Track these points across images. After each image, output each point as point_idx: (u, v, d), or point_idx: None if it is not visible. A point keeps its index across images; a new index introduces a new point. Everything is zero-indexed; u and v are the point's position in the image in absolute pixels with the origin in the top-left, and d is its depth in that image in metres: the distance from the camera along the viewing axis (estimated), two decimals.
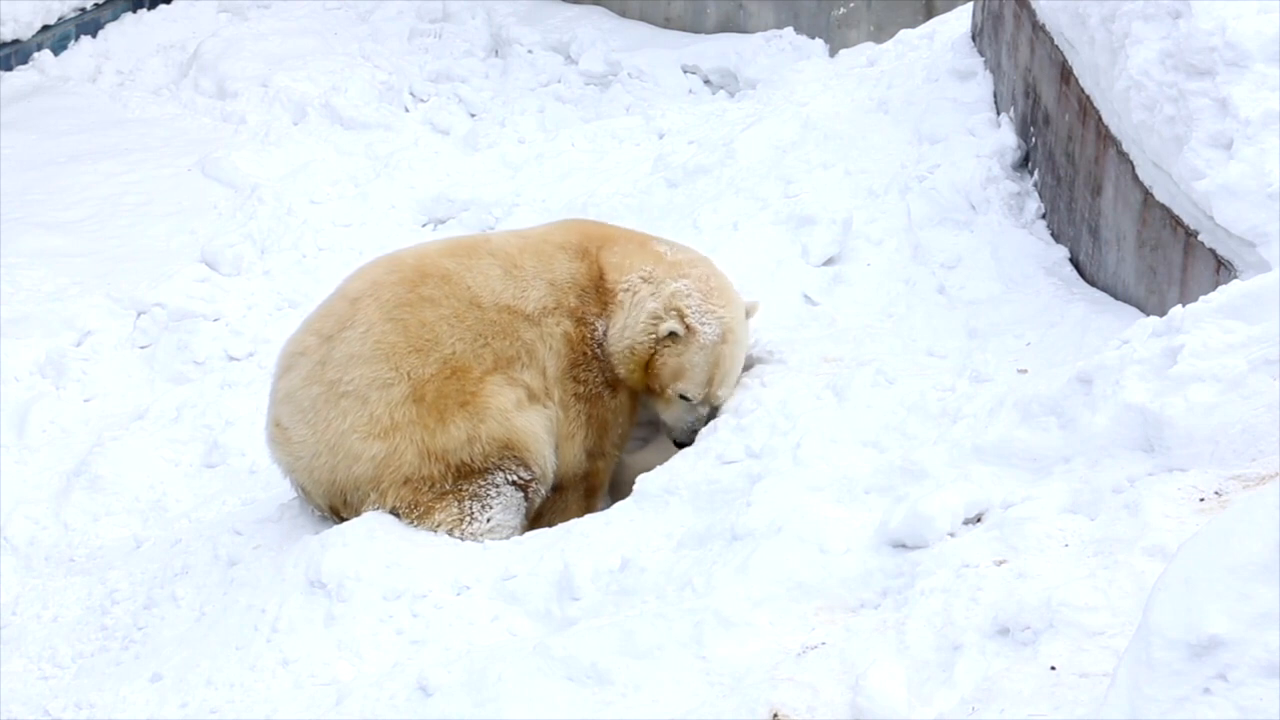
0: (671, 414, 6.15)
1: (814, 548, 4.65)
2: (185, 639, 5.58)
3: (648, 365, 6.04)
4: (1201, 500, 3.97)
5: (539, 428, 5.98)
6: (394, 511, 5.82)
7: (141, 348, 8.53)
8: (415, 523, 5.82)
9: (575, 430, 6.11)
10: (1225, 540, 2.93)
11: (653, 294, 6.04)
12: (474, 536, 5.84)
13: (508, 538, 5.86)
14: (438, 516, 5.83)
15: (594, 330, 6.08)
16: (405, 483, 5.82)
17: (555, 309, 6.04)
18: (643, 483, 5.64)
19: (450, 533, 5.83)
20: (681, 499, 5.49)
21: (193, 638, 5.56)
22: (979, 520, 4.45)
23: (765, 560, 4.65)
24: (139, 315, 8.65)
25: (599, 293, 6.09)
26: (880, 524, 4.62)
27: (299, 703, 5.03)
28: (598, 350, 6.09)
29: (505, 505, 5.92)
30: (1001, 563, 4.11)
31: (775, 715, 3.93)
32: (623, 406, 6.18)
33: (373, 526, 5.67)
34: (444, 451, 5.82)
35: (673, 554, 5.12)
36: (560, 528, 5.68)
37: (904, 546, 4.49)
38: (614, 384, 6.12)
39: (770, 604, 4.49)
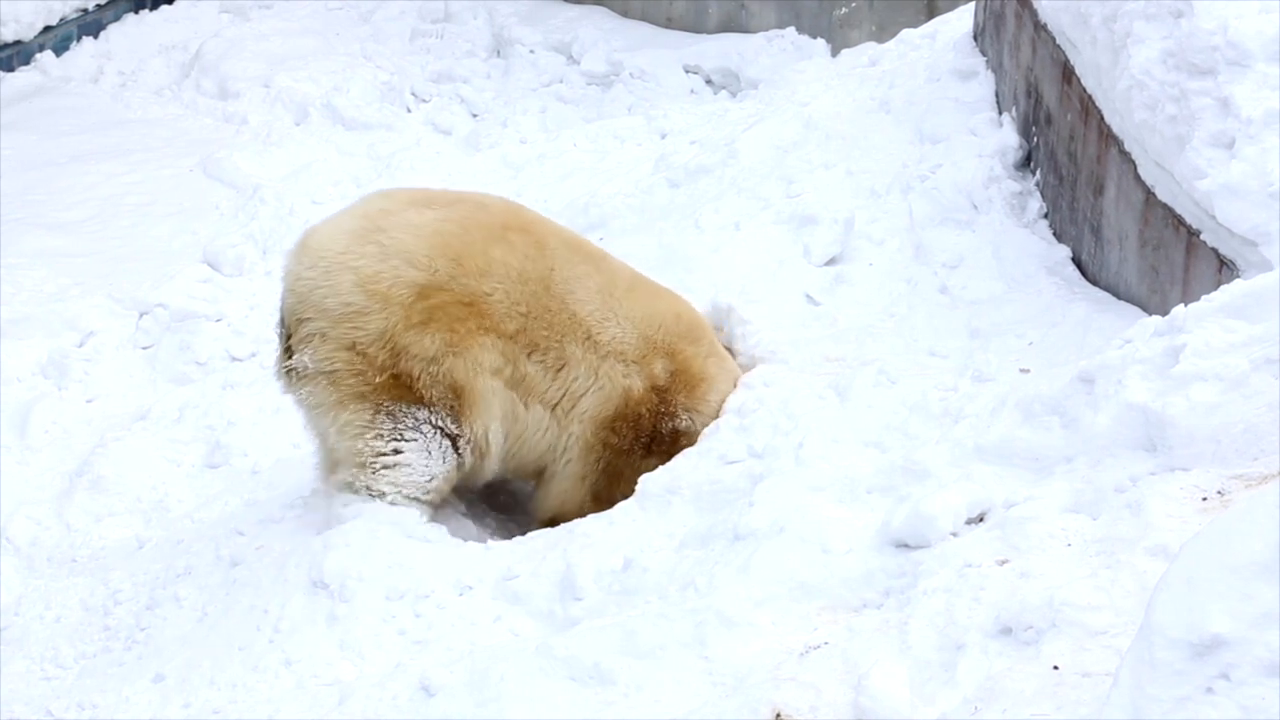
0: None
1: (816, 548, 4.65)
2: (188, 639, 5.58)
3: None
4: (1204, 500, 3.97)
5: (496, 403, 5.83)
6: (314, 373, 5.67)
7: (143, 348, 8.52)
8: (325, 410, 5.70)
9: (588, 473, 6.05)
10: (1227, 540, 2.93)
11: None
12: (370, 459, 5.71)
13: (413, 483, 5.74)
14: (347, 413, 5.70)
15: (671, 411, 6.02)
16: (350, 348, 5.67)
17: (633, 360, 5.98)
18: (645, 483, 5.64)
19: (349, 442, 5.70)
20: (684, 499, 5.49)
21: (195, 638, 5.56)
22: (981, 520, 4.45)
23: (767, 560, 4.65)
24: (141, 316, 8.65)
25: (689, 387, 6.05)
26: (882, 524, 4.62)
27: (301, 703, 5.03)
28: (666, 426, 6.03)
29: (420, 447, 5.76)
30: (1004, 562, 4.11)
31: (778, 715, 3.93)
32: (646, 469, 6.00)
33: (375, 527, 5.66)
34: (402, 347, 5.66)
35: (675, 554, 5.12)
36: (562, 528, 5.68)
37: (906, 546, 4.50)
38: (653, 450, 6.04)
39: (772, 604, 4.49)
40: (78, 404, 8.04)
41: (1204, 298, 4.42)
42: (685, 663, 4.35)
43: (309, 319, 5.72)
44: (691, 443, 5.98)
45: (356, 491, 5.84)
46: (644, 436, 6.06)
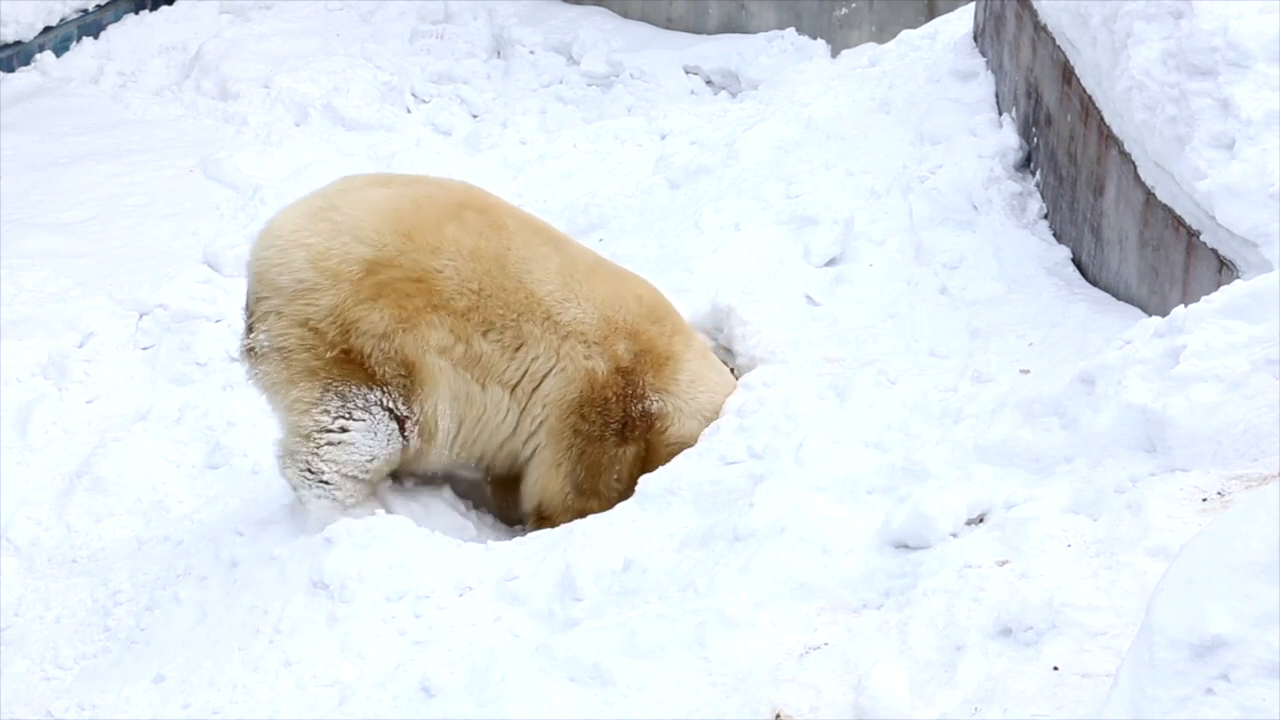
0: None
1: (816, 548, 4.65)
2: (188, 640, 5.58)
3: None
4: (1204, 500, 3.97)
5: (444, 382, 5.80)
6: (269, 350, 5.71)
7: (144, 349, 8.52)
8: (279, 388, 5.74)
9: (562, 460, 6.01)
10: (1227, 540, 2.93)
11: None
12: (315, 433, 5.73)
13: (353, 463, 5.76)
14: (297, 389, 5.72)
15: (639, 394, 6.00)
16: (303, 324, 5.68)
17: (595, 341, 5.95)
18: (645, 483, 5.64)
19: (296, 417, 5.73)
20: (684, 499, 5.49)
21: (195, 639, 5.56)
22: (981, 520, 4.45)
23: (767, 561, 4.65)
24: (141, 316, 8.65)
25: (655, 368, 6.04)
26: (882, 524, 4.62)
27: (302, 703, 5.03)
28: (636, 409, 6.02)
29: (367, 428, 5.76)
30: (1004, 563, 4.11)
31: (778, 716, 3.93)
32: (625, 457, 6.07)
33: (374, 527, 5.67)
34: (351, 323, 5.67)
35: (675, 554, 5.12)
36: (563, 528, 5.67)
37: (906, 547, 4.50)
38: (628, 437, 6.04)
39: (773, 604, 4.49)
40: (78, 404, 8.04)
41: (1204, 298, 4.42)
42: (685, 663, 4.35)
43: (266, 297, 5.77)
44: (665, 425, 6.02)
45: (296, 463, 5.84)
46: (615, 423, 6.02)
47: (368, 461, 5.81)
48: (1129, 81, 5.82)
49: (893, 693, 3.78)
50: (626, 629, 4.52)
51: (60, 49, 13.21)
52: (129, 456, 7.24)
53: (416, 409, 5.80)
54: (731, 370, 6.41)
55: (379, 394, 5.75)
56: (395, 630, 5.28)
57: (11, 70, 12.97)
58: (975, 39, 8.23)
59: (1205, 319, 4.30)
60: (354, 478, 5.83)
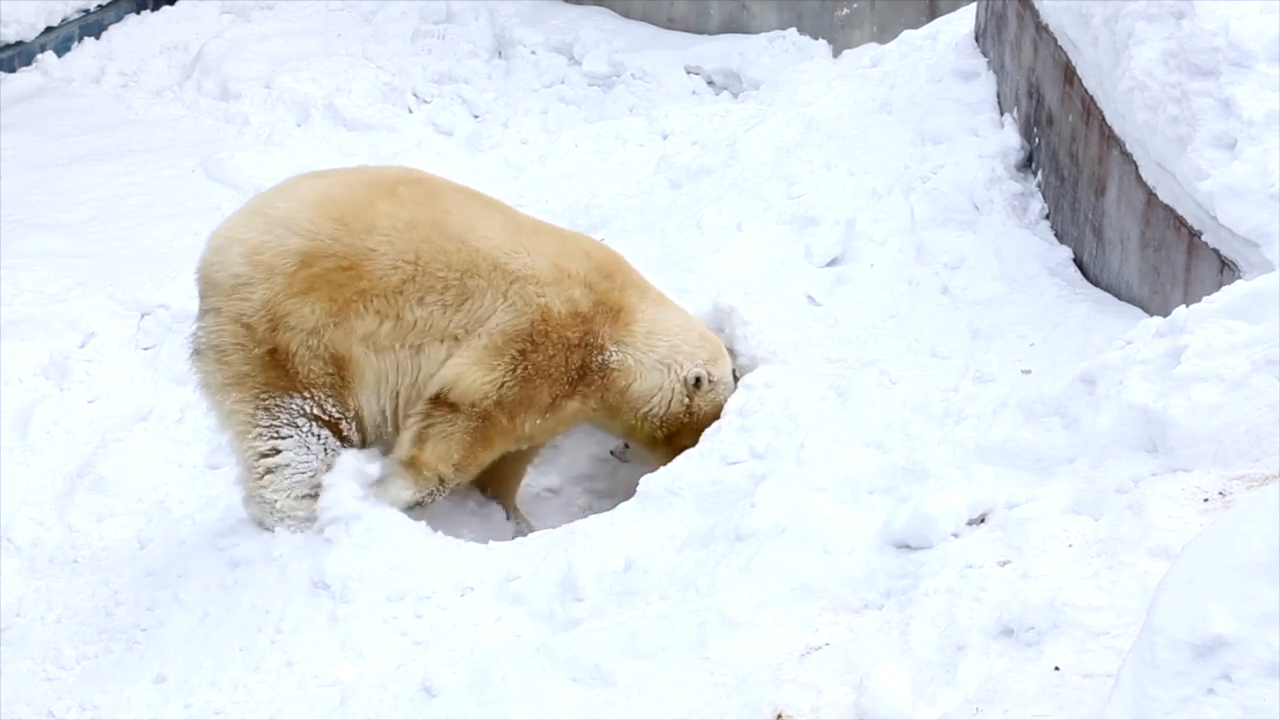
0: None
1: (817, 548, 4.66)
2: (189, 640, 5.58)
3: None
4: (1205, 500, 3.97)
5: (368, 368, 5.79)
6: (206, 347, 5.74)
7: (145, 349, 8.51)
8: (214, 391, 5.78)
9: (496, 365, 5.84)
10: (1229, 540, 2.93)
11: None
12: (253, 462, 5.79)
13: (298, 484, 5.78)
14: (231, 400, 5.76)
15: (599, 344, 5.98)
16: (237, 320, 5.70)
17: (550, 283, 5.88)
18: (646, 484, 5.64)
19: (236, 441, 5.81)
20: (685, 500, 5.49)
21: (196, 639, 5.56)
22: (982, 521, 4.45)
23: (769, 561, 4.65)
24: (142, 317, 8.64)
25: (611, 318, 6.02)
26: (884, 524, 4.62)
27: (303, 704, 5.04)
28: (595, 360, 5.99)
29: (298, 443, 5.78)
30: (1005, 563, 4.11)
31: (779, 716, 3.93)
32: (563, 410, 6.01)
33: (375, 527, 5.67)
34: (281, 317, 5.68)
35: (676, 555, 5.12)
36: (563, 529, 5.67)
37: (907, 547, 4.50)
38: (577, 389, 6.00)
39: (774, 605, 4.49)
40: (79, 405, 8.03)
41: (1205, 299, 4.42)
42: (686, 663, 4.35)
43: (208, 296, 5.81)
44: (627, 382, 6.04)
45: (252, 499, 5.91)
46: (573, 369, 5.96)
47: (311, 478, 5.82)
48: (1131, 81, 5.82)
49: (894, 693, 3.78)
50: (628, 629, 4.52)
51: (62, 49, 13.21)
52: (130, 457, 7.24)
53: (351, 404, 5.82)
54: (734, 373, 6.40)
55: (302, 401, 5.75)
56: (396, 630, 5.29)
57: (13, 70, 12.97)
58: (977, 39, 8.23)
59: (1207, 319, 4.30)
60: (306, 497, 5.83)
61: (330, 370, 5.75)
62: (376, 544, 5.57)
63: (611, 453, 6.88)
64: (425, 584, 5.41)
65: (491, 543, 5.79)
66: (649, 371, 6.09)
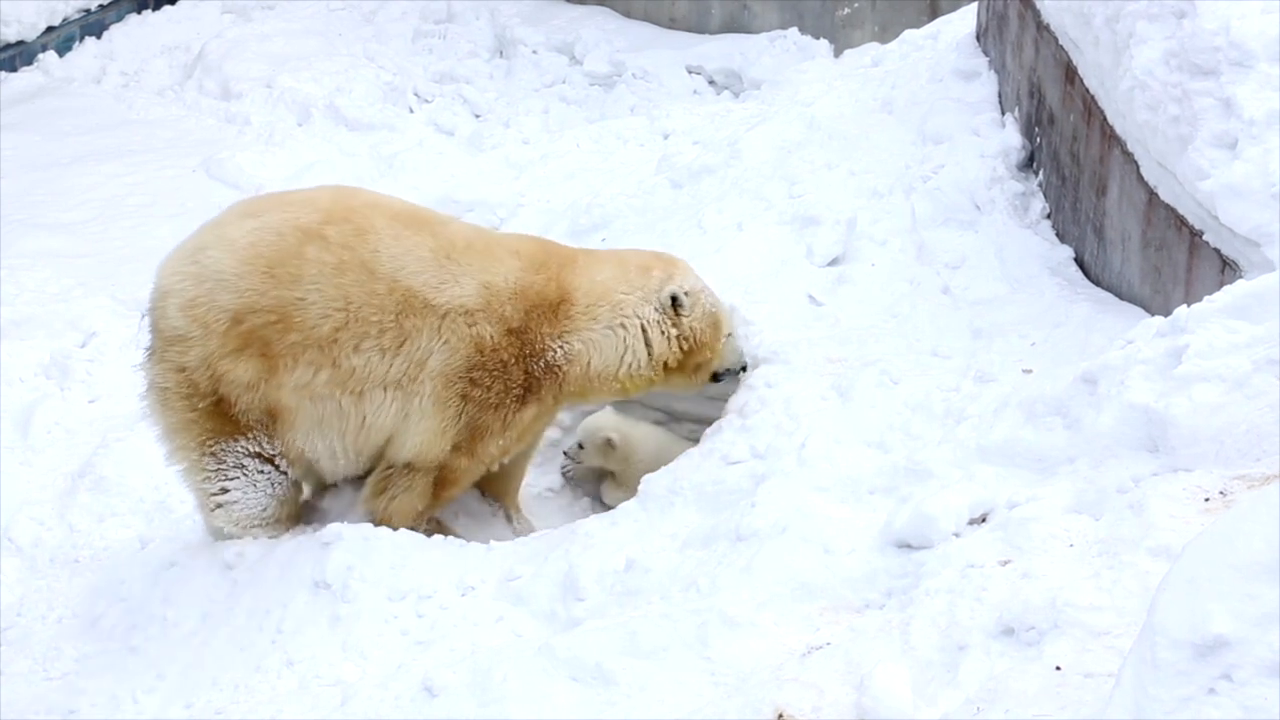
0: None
1: (818, 548, 4.66)
2: (190, 640, 5.58)
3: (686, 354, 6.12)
4: (1206, 500, 3.97)
5: (301, 414, 5.77)
6: (152, 386, 5.81)
7: (146, 349, 8.51)
8: (161, 427, 5.85)
9: (447, 427, 5.87)
10: (1230, 540, 2.92)
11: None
12: (205, 499, 5.88)
13: (247, 516, 5.86)
14: (175, 443, 5.84)
15: (538, 350, 5.91)
16: (179, 370, 5.74)
17: (479, 309, 5.81)
18: (647, 484, 5.64)
19: (187, 480, 5.91)
20: (686, 500, 5.49)
21: (197, 639, 5.56)
22: (984, 520, 4.45)
23: (770, 561, 4.65)
24: (143, 317, 8.64)
25: (550, 316, 5.94)
26: (885, 524, 4.62)
27: (304, 703, 5.04)
28: (538, 367, 5.92)
29: (245, 482, 5.85)
30: (1006, 563, 4.11)
31: (780, 715, 3.93)
32: (521, 420, 5.98)
33: (376, 527, 5.67)
34: (221, 374, 5.69)
35: (677, 554, 5.12)
36: (565, 529, 5.67)
37: (909, 547, 4.50)
38: (529, 399, 5.96)
39: (775, 604, 4.49)
40: (80, 404, 8.04)
41: (1206, 298, 4.42)
42: (687, 663, 4.35)
43: (154, 335, 5.84)
44: (582, 365, 5.98)
45: (206, 524, 6.04)
46: (516, 387, 5.91)
47: (262, 511, 5.92)
48: (1131, 81, 5.82)
49: (895, 693, 3.78)
50: (629, 629, 4.52)
51: (63, 49, 13.22)
52: (131, 456, 7.24)
53: (279, 443, 5.84)
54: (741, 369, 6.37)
55: (245, 443, 5.81)
56: (397, 630, 5.29)
57: (14, 70, 12.98)
58: (978, 39, 8.22)
59: (1208, 319, 4.30)
60: (257, 527, 5.92)
61: (267, 418, 5.79)
62: (377, 544, 5.57)
63: (563, 470, 6.90)
64: (426, 584, 5.41)
65: (492, 542, 5.80)
66: (601, 341, 6.01)
